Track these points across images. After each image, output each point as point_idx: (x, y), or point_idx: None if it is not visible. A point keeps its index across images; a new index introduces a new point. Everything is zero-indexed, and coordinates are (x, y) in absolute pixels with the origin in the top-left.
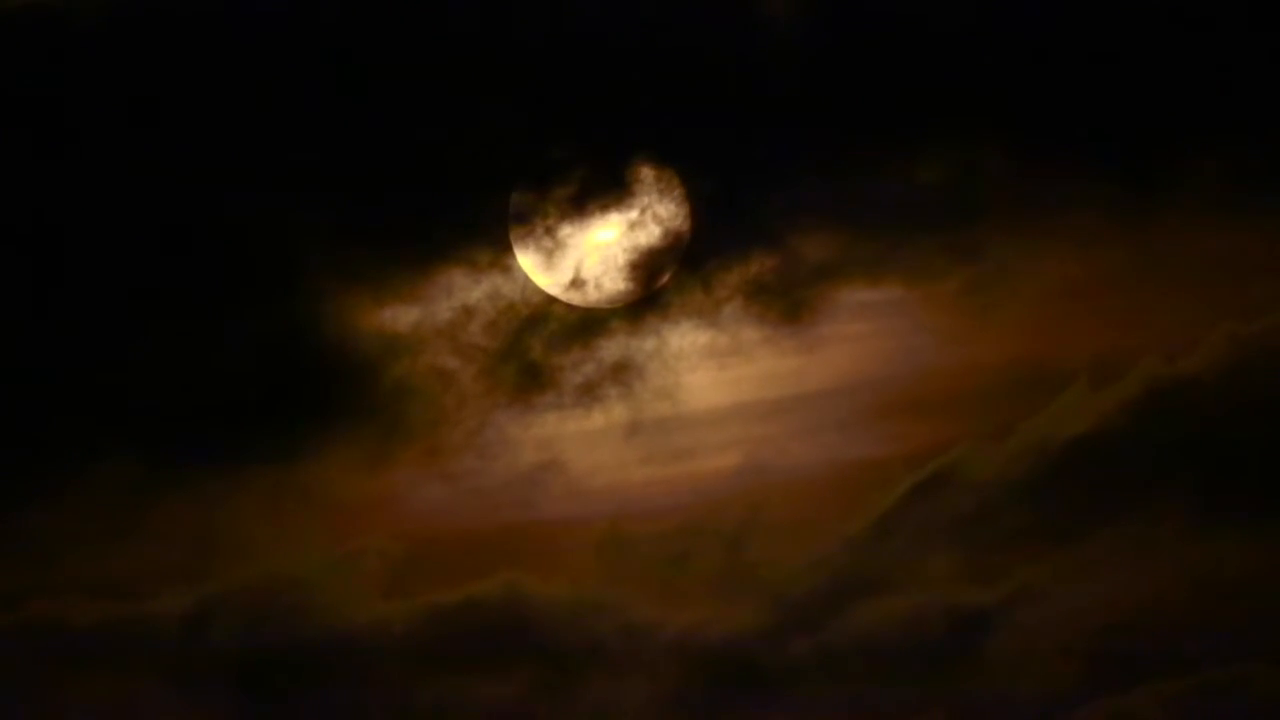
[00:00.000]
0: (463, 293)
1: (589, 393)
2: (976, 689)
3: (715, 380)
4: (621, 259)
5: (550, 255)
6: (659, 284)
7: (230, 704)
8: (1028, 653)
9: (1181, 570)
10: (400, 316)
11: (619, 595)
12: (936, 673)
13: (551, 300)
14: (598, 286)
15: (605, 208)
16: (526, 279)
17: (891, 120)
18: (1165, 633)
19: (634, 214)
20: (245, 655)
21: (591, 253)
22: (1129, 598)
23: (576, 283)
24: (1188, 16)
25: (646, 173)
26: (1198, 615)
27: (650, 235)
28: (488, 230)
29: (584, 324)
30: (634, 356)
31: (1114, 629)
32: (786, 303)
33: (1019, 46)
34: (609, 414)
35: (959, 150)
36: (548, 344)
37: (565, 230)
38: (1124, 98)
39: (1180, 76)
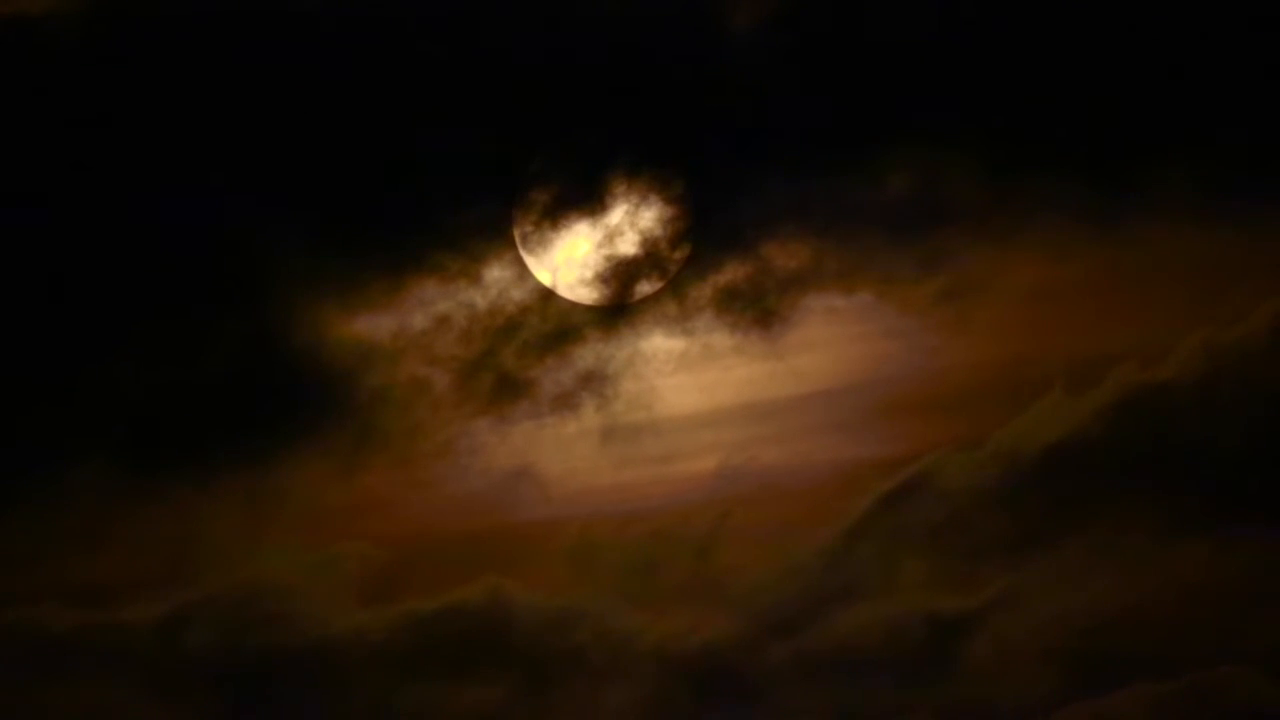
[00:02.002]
0: (440, 302)
1: (565, 400)
2: (956, 694)
3: (691, 387)
4: (604, 265)
5: (536, 258)
6: (650, 287)
7: (207, 711)
8: (1007, 657)
9: (1160, 575)
10: (378, 325)
11: (598, 602)
12: (916, 678)
13: (526, 309)
14: (582, 288)
15: (582, 217)
16: (502, 288)
17: (862, 129)
18: (1146, 636)
19: (612, 223)
20: (222, 662)
21: (570, 261)
22: (1108, 602)
23: (556, 289)
24: (1156, 22)
25: (622, 183)
26: (1179, 619)
27: (630, 242)
28: (463, 240)
29: (559, 332)
30: (608, 364)
31: (1093, 633)
32: (759, 310)
33: (988, 54)
34: (585, 421)
35: (930, 158)
36: (524, 352)
37: (545, 237)
38: (1093, 103)
39: (1150, 82)
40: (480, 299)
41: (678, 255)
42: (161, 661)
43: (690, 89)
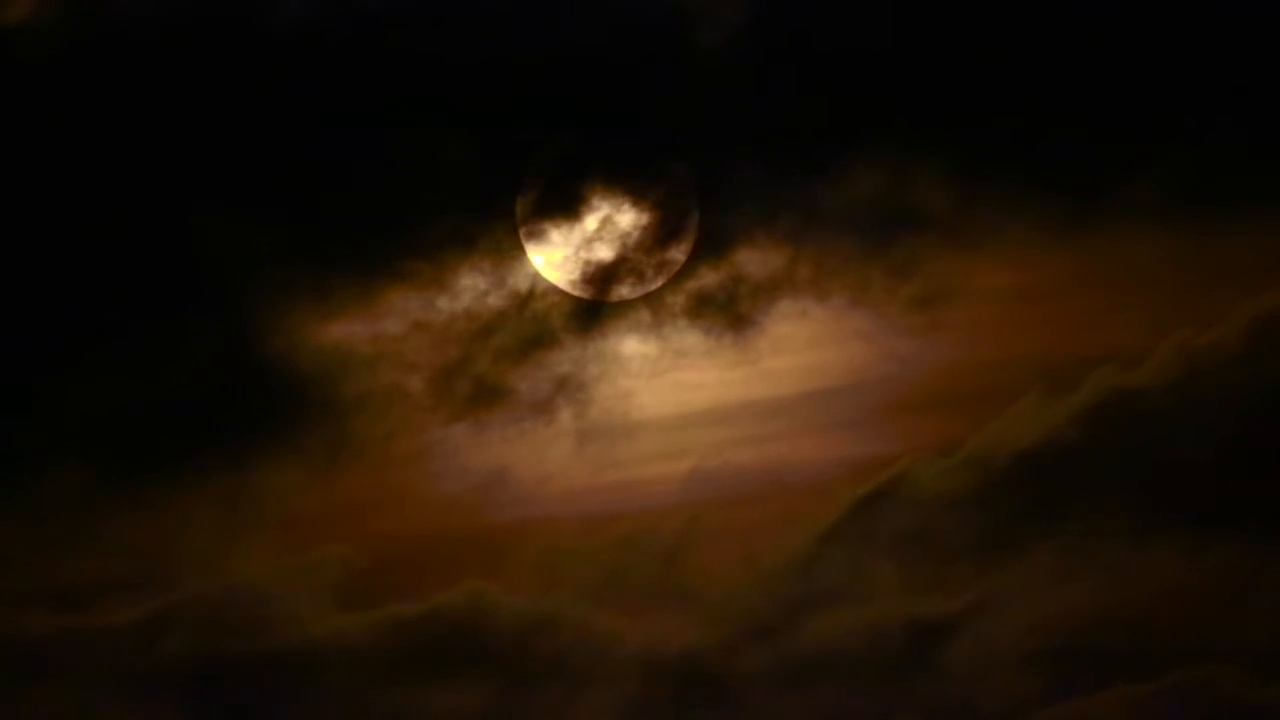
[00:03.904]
0: (415, 309)
1: (543, 405)
2: (937, 697)
3: (668, 389)
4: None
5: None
6: (649, 287)
7: (186, 715)
8: (987, 660)
9: (1138, 577)
10: (354, 332)
11: (577, 606)
12: (896, 682)
13: (502, 315)
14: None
15: (558, 225)
16: (476, 295)
17: (832, 137)
18: (1126, 637)
19: (588, 230)
20: (201, 666)
21: (550, 264)
22: (1088, 604)
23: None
24: (1123, 29)
25: (598, 192)
26: (1158, 620)
27: (611, 247)
28: (436, 248)
29: (534, 338)
30: (584, 369)
31: (1073, 634)
32: (732, 315)
33: (956, 63)
34: (562, 425)
35: (901, 164)
36: (499, 358)
37: (524, 241)
38: (1061, 109)
39: (1119, 87)
40: (455, 306)
41: (674, 256)
42: (139, 665)
43: (664, 98)
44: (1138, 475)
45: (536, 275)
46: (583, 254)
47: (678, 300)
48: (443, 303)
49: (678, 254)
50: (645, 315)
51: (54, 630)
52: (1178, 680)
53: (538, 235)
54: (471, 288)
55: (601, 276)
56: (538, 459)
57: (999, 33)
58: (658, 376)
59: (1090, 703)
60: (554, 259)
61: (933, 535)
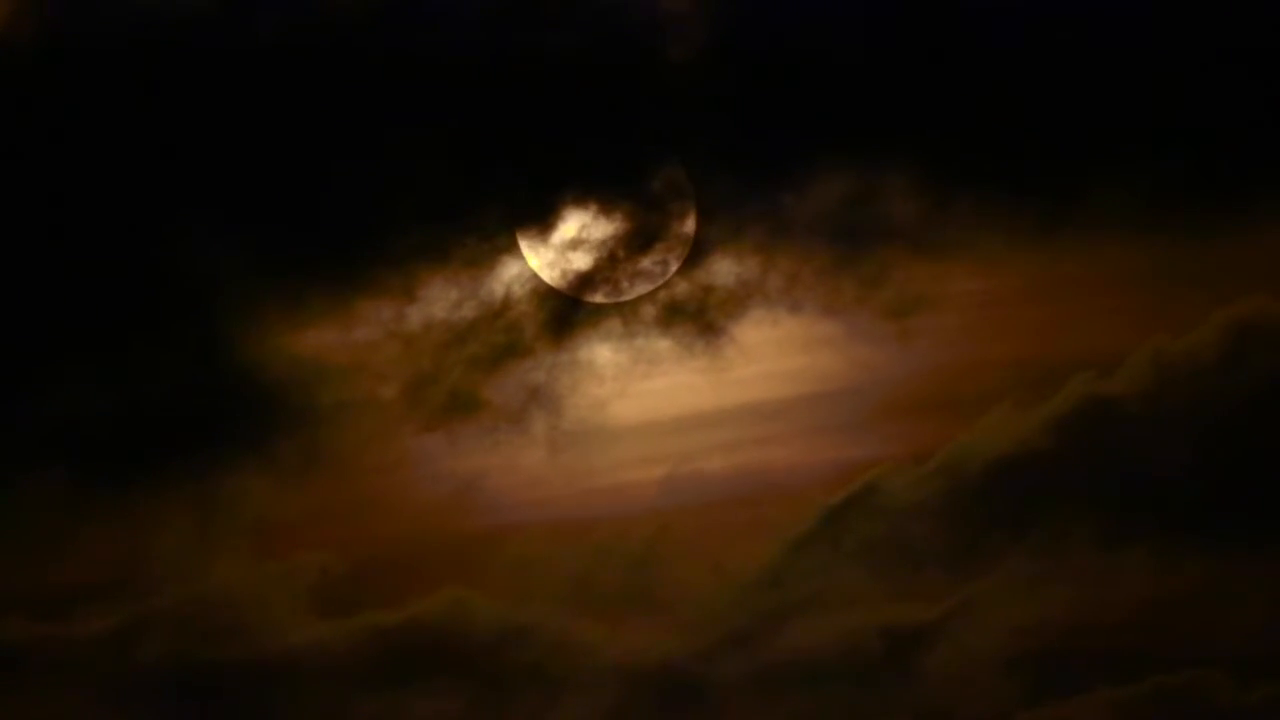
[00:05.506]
0: (388, 319)
1: (517, 415)
2: (916, 704)
3: (639, 399)
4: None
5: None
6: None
7: None
8: (966, 666)
9: (1116, 583)
10: (328, 341)
11: (556, 614)
12: (876, 689)
13: (475, 324)
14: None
15: (533, 234)
16: (450, 305)
17: (805, 147)
18: (1107, 642)
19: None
20: (177, 674)
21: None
22: (1069, 609)
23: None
24: (1094, 34)
25: (572, 202)
26: (1140, 624)
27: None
28: (409, 260)
29: (509, 347)
30: (556, 378)
31: (1054, 639)
32: (704, 323)
33: (925, 69)
34: (535, 434)
35: (873, 172)
36: (474, 368)
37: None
38: (1034, 116)
39: (1091, 92)
40: (428, 315)
41: (659, 266)
42: (116, 673)
43: (634, 108)
44: (1113, 482)
45: (509, 285)
46: (559, 264)
47: (649, 309)
48: (415, 312)
49: (664, 264)
50: (617, 324)
51: (30, 637)
52: (1158, 684)
53: (511, 245)
54: (444, 298)
55: (578, 285)
56: (512, 467)
57: (969, 42)
58: (630, 385)
59: (1070, 708)
60: (529, 269)
61: (908, 542)
